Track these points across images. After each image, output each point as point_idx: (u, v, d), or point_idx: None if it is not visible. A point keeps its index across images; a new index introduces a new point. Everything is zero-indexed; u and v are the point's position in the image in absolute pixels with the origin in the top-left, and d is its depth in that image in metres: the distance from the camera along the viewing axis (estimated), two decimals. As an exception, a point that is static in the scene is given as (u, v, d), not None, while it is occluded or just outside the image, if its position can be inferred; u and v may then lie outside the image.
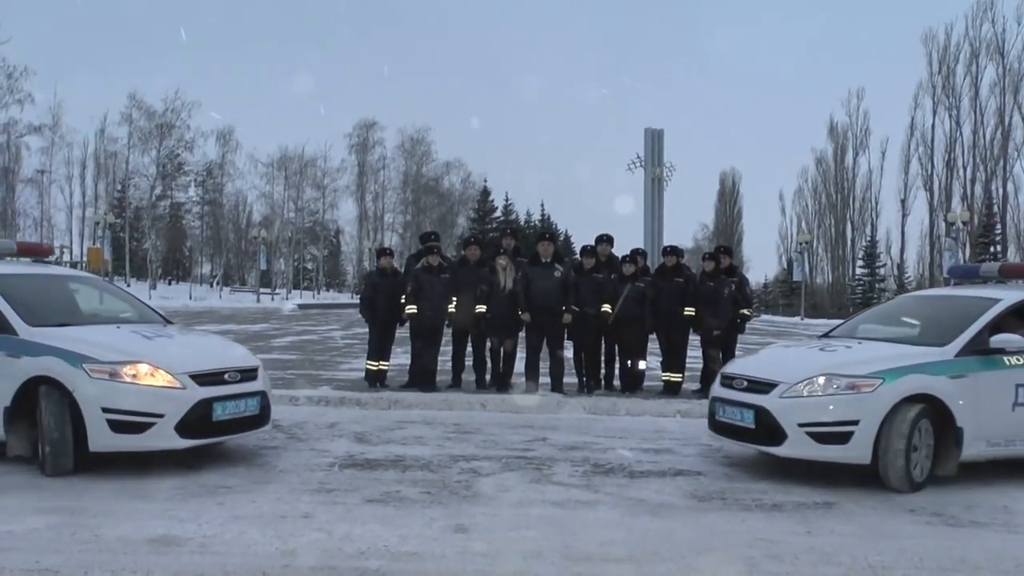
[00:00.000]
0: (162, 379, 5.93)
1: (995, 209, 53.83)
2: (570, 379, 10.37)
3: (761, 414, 6.08)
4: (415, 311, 9.82)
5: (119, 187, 62.67)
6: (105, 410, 5.76)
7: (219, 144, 65.29)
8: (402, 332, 10.54)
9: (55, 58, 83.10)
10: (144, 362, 5.96)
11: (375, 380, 10.17)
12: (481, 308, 9.81)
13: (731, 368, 6.94)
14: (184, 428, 5.89)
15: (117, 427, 5.77)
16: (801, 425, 5.89)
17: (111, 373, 5.87)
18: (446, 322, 10.09)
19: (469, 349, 10.35)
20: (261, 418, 6.51)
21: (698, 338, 10.31)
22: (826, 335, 7.55)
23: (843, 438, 5.84)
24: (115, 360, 5.93)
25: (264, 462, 6.49)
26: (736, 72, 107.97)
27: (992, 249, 52.11)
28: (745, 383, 6.40)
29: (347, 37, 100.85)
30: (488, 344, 10.14)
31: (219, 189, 67.06)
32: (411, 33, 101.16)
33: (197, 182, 66.61)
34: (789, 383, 6.07)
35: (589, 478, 6.17)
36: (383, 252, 10.75)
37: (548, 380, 10.09)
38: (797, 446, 5.94)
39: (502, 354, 10.13)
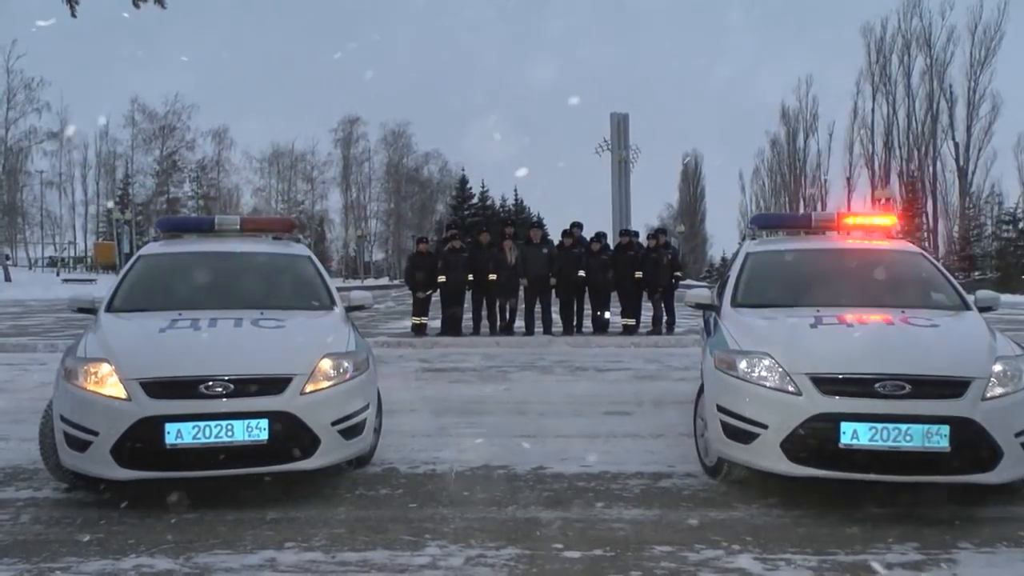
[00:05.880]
0: (111, 387, 4.54)
1: (925, 185, 57.15)
2: (556, 327, 14.33)
3: (961, 428, 4.26)
4: (444, 280, 13.82)
5: (121, 186, 66.33)
6: (62, 419, 4.63)
7: (215, 142, 69.08)
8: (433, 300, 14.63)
9: (50, 65, 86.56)
10: (107, 362, 4.64)
11: (419, 331, 14.25)
12: (492, 276, 13.76)
13: (846, 364, 4.53)
14: (122, 454, 4.43)
15: (69, 441, 4.57)
16: (1018, 435, 4.37)
17: (69, 373, 4.71)
18: (466, 287, 13.95)
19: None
20: (274, 451, 4.53)
21: (645, 293, 14.22)
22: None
23: None
24: (84, 357, 4.77)
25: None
26: (696, 61, 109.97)
27: (916, 220, 54.68)
28: (906, 386, 4.33)
29: (332, 34, 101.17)
30: (497, 302, 14.19)
31: (214, 184, 70.38)
32: (391, 35, 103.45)
33: (192, 178, 70.13)
34: (983, 377, 4.42)
35: (573, 372, 10.39)
36: (421, 240, 15.26)
37: (541, 327, 14.15)
38: (1014, 466, 4.36)
39: (508, 309, 14.20)
